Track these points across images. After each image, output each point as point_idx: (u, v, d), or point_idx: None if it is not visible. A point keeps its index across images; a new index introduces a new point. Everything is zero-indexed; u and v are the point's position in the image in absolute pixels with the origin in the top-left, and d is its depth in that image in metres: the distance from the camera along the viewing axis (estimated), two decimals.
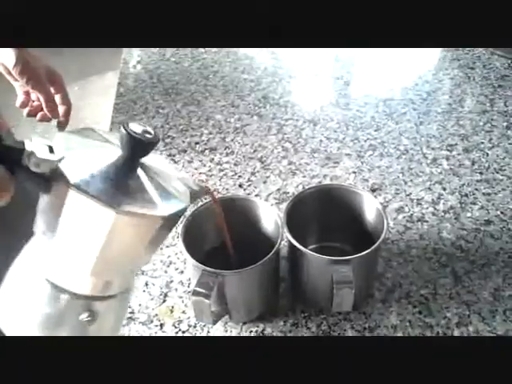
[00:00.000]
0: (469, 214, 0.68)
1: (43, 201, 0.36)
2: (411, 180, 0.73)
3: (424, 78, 0.92)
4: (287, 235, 0.53)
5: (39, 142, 0.34)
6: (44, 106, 0.74)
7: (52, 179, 0.34)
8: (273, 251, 0.52)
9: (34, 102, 0.78)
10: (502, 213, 0.68)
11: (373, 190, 0.71)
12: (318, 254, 0.52)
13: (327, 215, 0.60)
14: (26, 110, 0.77)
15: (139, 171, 0.37)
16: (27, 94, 0.77)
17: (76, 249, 0.36)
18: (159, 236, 0.38)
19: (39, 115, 0.77)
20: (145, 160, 0.38)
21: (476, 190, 0.71)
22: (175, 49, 1.03)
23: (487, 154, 0.77)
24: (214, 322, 0.55)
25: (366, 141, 0.80)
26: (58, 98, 0.75)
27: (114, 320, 0.41)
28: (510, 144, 0.78)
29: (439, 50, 1.01)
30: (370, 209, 0.58)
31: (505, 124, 0.82)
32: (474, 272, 0.61)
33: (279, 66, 0.98)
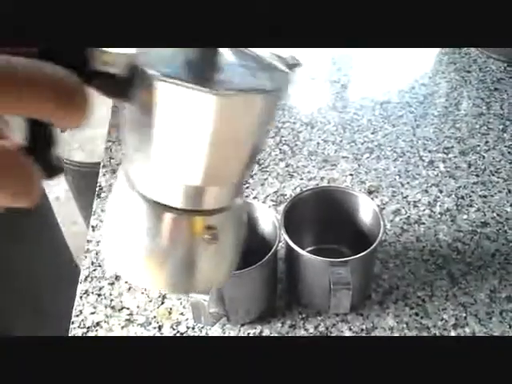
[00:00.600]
0: (465, 216, 0.68)
1: (127, 114, 0.31)
2: (408, 182, 0.73)
3: (421, 81, 0.93)
4: (285, 237, 0.54)
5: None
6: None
7: (131, 80, 0.29)
8: (270, 253, 0.52)
9: None
10: (498, 215, 0.68)
11: (370, 193, 0.71)
12: (316, 256, 0.52)
13: (324, 217, 0.60)
14: None
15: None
16: None
17: (178, 155, 0.31)
18: (267, 118, 0.33)
19: None
20: None
21: (472, 192, 0.72)
22: None
23: (483, 157, 0.77)
24: (212, 324, 0.56)
25: (362, 143, 0.80)
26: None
27: (234, 237, 0.38)
28: (505, 147, 0.79)
29: (435, 53, 1.01)
30: (367, 211, 0.58)
31: (501, 127, 0.82)
32: (470, 274, 0.61)
33: None
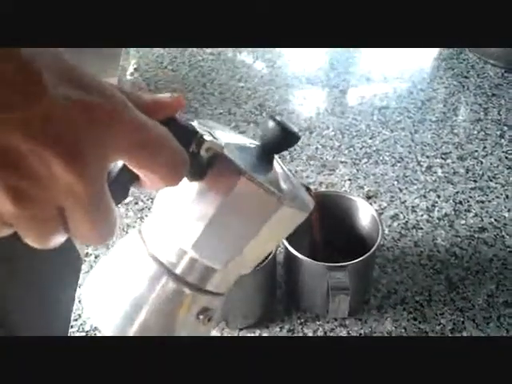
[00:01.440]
0: (463, 222, 0.69)
1: (196, 188, 0.34)
2: (406, 187, 0.73)
3: (419, 86, 0.93)
4: (284, 242, 0.54)
5: (199, 127, 0.34)
6: None
7: (210, 165, 0.33)
8: (269, 258, 0.53)
9: None
10: (495, 220, 0.69)
11: (368, 198, 0.72)
12: (314, 261, 0.53)
13: (323, 222, 0.60)
14: None
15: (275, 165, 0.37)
16: None
17: (219, 238, 0.35)
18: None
19: None
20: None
21: (470, 197, 0.72)
22: (172, 57, 1.04)
23: (481, 162, 0.77)
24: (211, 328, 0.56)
25: (361, 148, 0.80)
26: None
27: (215, 320, 0.40)
28: (503, 152, 0.79)
29: (433, 59, 1.02)
30: (366, 216, 0.58)
31: (498, 132, 0.83)
32: (468, 279, 0.62)
33: (276, 74, 0.99)
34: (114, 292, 0.36)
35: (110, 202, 0.27)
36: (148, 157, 0.27)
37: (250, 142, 0.38)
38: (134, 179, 0.31)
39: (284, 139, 0.36)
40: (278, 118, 0.36)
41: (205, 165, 0.33)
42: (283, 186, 0.36)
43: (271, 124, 0.36)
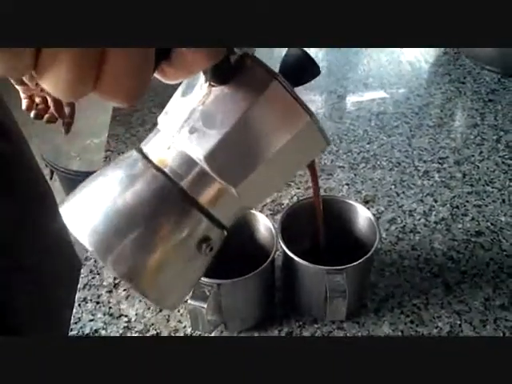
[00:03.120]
0: (460, 226, 0.69)
1: (211, 95, 0.31)
2: (403, 192, 0.74)
3: (416, 92, 0.94)
4: (282, 245, 0.54)
5: None
6: (52, 107, 0.76)
7: (236, 69, 0.31)
8: (268, 261, 0.53)
9: (38, 105, 0.81)
10: (492, 224, 0.69)
11: (366, 202, 0.72)
12: (312, 264, 0.53)
13: (321, 226, 0.61)
14: (33, 113, 0.80)
15: None
16: (31, 97, 0.80)
17: (240, 151, 0.31)
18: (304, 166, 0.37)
19: (46, 117, 0.80)
20: None
21: (467, 201, 0.73)
22: None
23: (478, 167, 0.78)
24: (210, 331, 0.56)
25: (359, 153, 0.81)
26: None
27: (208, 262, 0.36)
28: (500, 157, 0.80)
29: (429, 64, 1.03)
30: (363, 220, 0.59)
31: (495, 137, 0.83)
32: (465, 282, 0.62)
33: None
34: (102, 206, 0.31)
35: (152, 57, 0.26)
36: None
37: None
38: (166, 54, 0.28)
39: (306, 69, 0.33)
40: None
41: (231, 68, 0.30)
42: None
43: (293, 52, 0.33)
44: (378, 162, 0.79)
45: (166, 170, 0.32)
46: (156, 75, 0.29)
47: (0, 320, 0.77)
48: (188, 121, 0.32)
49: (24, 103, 0.80)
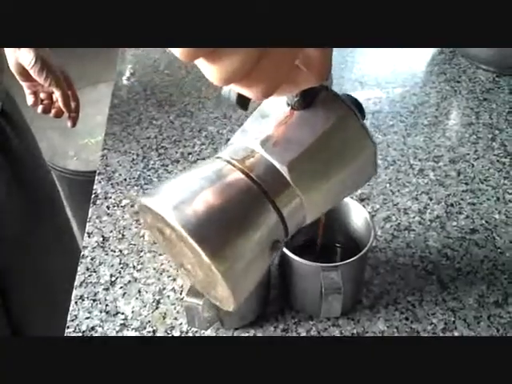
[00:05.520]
0: (454, 223, 0.70)
1: (298, 117, 0.37)
2: (398, 190, 0.74)
3: (411, 91, 0.95)
4: None
5: None
6: (61, 101, 0.77)
7: (318, 95, 0.37)
8: None
9: (43, 100, 0.82)
10: (486, 222, 0.70)
11: (361, 200, 0.73)
12: (307, 261, 0.53)
13: (317, 223, 0.61)
14: (40, 108, 0.81)
15: None
16: (35, 93, 0.80)
17: (312, 164, 0.37)
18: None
19: (53, 111, 0.81)
20: None
21: (461, 199, 0.73)
22: (169, 61, 1.05)
23: (472, 165, 0.79)
24: (206, 328, 0.56)
25: None
26: (69, 95, 0.80)
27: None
28: (494, 155, 0.80)
29: (425, 63, 1.03)
30: (359, 218, 0.59)
31: (490, 136, 0.84)
32: (459, 279, 0.63)
33: None
34: (199, 201, 0.35)
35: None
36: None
37: None
38: None
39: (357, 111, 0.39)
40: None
41: (315, 96, 0.37)
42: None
43: (347, 98, 0.39)
44: None
45: (252, 174, 0.36)
46: None
47: (3, 316, 0.78)
48: (272, 136, 0.37)
49: (29, 99, 0.81)
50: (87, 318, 0.60)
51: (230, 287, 0.35)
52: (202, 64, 0.28)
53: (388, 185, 0.75)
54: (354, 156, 0.38)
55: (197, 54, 0.26)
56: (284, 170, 0.36)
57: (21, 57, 0.73)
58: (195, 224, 0.33)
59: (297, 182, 0.36)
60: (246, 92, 0.30)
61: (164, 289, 0.62)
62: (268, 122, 0.38)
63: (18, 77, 0.77)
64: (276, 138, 0.37)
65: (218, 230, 0.34)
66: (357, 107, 0.39)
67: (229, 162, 0.37)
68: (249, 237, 0.35)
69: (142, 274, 0.64)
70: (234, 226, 0.35)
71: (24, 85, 0.80)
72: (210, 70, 0.28)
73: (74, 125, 0.85)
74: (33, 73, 0.73)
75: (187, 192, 0.35)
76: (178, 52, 0.26)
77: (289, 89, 0.33)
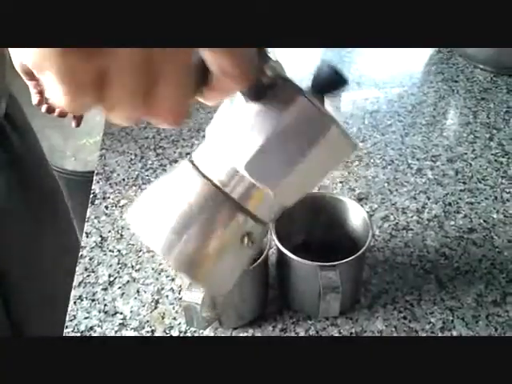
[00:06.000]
0: (452, 223, 0.70)
1: (252, 110, 0.37)
2: (396, 189, 0.75)
3: (409, 91, 0.95)
4: (275, 242, 0.55)
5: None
6: None
7: (273, 87, 0.36)
8: (261, 258, 0.53)
9: (47, 100, 0.82)
10: (484, 221, 0.70)
11: (359, 199, 0.73)
12: (306, 260, 0.53)
13: (315, 223, 0.61)
14: (44, 107, 0.81)
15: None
16: (40, 92, 0.81)
17: (275, 159, 0.36)
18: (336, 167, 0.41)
19: (57, 111, 0.81)
20: None
21: (459, 199, 0.73)
22: None
23: (470, 165, 0.79)
24: (205, 328, 0.56)
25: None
26: None
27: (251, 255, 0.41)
28: (492, 155, 0.80)
29: (423, 63, 1.04)
30: (357, 217, 0.59)
31: (487, 135, 0.84)
32: (457, 278, 0.63)
33: None
34: (162, 211, 0.37)
35: (192, 84, 0.31)
36: (228, 54, 0.30)
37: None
38: (205, 80, 0.32)
39: (334, 81, 0.39)
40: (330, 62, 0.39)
41: (264, 87, 0.36)
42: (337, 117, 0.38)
43: (323, 66, 0.39)
44: (372, 160, 0.80)
45: (214, 179, 0.36)
46: (198, 98, 0.34)
47: (3, 317, 0.78)
48: (230, 134, 0.37)
49: (34, 98, 0.81)
50: (86, 318, 0.60)
51: (210, 291, 0.36)
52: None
53: (386, 184, 0.75)
54: (316, 139, 0.37)
55: (82, 107, 0.27)
56: (243, 171, 0.36)
57: (24, 57, 0.73)
58: (168, 247, 0.36)
59: (258, 179, 0.36)
60: (161, 124, 0.30)
61: (162, 289, 0.62)
62: (229, 118, 0.38)
63: (23, 76, 0.77)
64: (234, 136, 0.37)
65: (189, 246, 0.36)
66: (335, 75, 0.39)
67: (194, 165, 0.38)
68: (217, 241, 0.37)
69: (141, 274, 0.64)
70: (200, 234, 0.36)
71: (29, 84, 0.80)
72: (111, 118, 0.28)
73: (78, 125, 0.85)
74: (35, 72, 0.74)
75: (159, 211, 0.37)
76: (65, 106, 0.27)
77: (214, 98, 0.34)
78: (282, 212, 0.41)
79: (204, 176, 0.37)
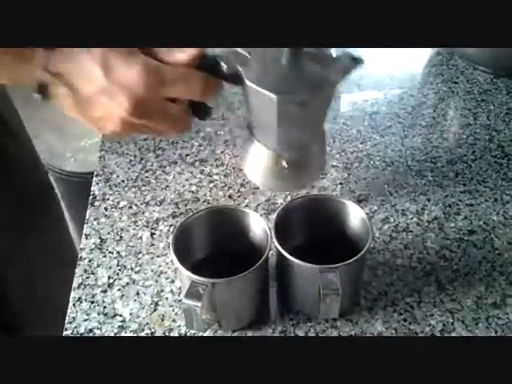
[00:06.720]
0: (452, 225, 0.70)
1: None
2: (396, 191, 0.74)
3: (409, 92, 0.95)
4: (275, 244, 0.55)
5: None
6: None
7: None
8: (261, 260, 0.53)
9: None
10: (484, 223, 0.70)
11: (359, 201, 0.73)
12: (306, 263, 0.53)
13: (315, 225, 0.61)
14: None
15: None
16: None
17: (263, 122, 0.56)
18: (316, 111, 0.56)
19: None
20: None
21: (459, 200, 0.73)
22: None
23: (470, 166, 0.79)
24: (204, 330, 0.56)
25: (352, 153, 0.81)
26: None
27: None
28: (492, 156, 0.80)
29: (423, 65, 1.03)
30: (357, 219, 0.59)
31: (487, 137, 0.84)
32: (457, 280, 0.63)
33: None
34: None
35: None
36: (185, 87, 0.46)
37: None
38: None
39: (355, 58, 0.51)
40: None
41: (225, 75, 0.49)
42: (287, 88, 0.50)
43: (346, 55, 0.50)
44: (372, 162, 0.80)
45: None
46: None
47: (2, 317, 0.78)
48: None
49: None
50: (85, 320, 0.59)
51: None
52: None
53: (386, 186, 0.75)
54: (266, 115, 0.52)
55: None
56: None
57: None
58: None
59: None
60: (165, 135, 0.37)
61: (162, 291, 0.62)
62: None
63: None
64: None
65: None
66: (352, 60, 0.50)
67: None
68: None
69: (140, 276, 0.64)
70: None
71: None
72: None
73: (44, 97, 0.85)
74: None
75: None
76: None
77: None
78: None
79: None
